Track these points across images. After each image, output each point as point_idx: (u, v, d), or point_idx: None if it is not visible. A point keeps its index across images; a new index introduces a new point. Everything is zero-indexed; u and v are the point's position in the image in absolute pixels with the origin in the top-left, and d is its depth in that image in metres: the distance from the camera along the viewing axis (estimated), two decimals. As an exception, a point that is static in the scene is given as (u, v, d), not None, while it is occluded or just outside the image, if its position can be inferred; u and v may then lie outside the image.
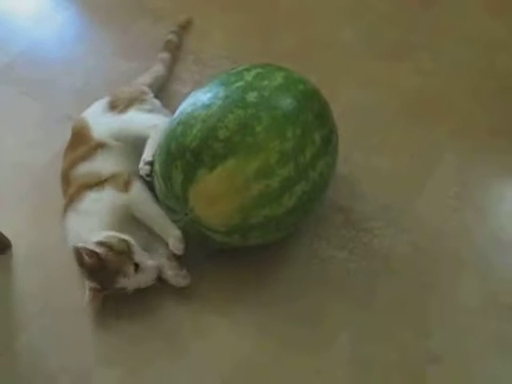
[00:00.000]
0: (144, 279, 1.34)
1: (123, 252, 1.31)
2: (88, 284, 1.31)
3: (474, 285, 1.40)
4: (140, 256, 1.33)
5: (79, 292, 1.38)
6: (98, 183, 1.41)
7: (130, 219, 1.41)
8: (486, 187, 1.57)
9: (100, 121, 1.53)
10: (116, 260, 1.30)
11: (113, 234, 1.34)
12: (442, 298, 1.39)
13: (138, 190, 1.41)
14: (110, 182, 1.41)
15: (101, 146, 1.47)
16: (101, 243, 1.29)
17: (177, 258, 1.40)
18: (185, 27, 1.91)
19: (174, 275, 1.37)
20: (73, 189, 1.43)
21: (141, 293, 1.37)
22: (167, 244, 1.38)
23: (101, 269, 1.29)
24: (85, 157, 1.46)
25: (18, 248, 1.50)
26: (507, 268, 1.42)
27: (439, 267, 1.43)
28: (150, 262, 1.34)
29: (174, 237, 1.37)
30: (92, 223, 1.37)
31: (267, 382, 1.29)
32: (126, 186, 1.41)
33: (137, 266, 1.31)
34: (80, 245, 1.29)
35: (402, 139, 1.65)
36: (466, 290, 1.39)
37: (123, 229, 1.38)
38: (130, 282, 1.31)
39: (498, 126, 1.67)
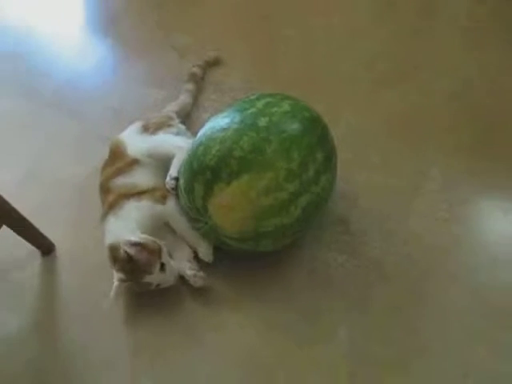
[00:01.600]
0: (166, 278, 1.35)
1: (154, 252, 1.32)
2: (117, 275, 1.32)
3: (461, 286, 1.40)
4: (166, 257, 1.35)
5: (108, 288, 1.39)
6: (136, 194, 1.43)
7: (160, 226, 1.43)
8: (470, 202, 1.56)
9: (134, 141, 1.54)
10: (147, 257, 1.31)
11: (147, 236, 1.35)
12: (432, 300, 1.38)
13: (173, 203, 1.42)
14: (148, 194, 1.43)
15: (136, 162, 1.49)
16: (137, 242, 1.31)
17: (197, 261, 1.41)
18: (212, 63, 1.92)
19: (193, 276, 1.38)
20: (112, 197, 1.44)
21: (163, 291, 1.38)
22: (188, 248, 1.42)
23: (133, 263, 1.30)
24: (122, 171, 1.48)
25: (61, 250, 1.51)
26: (493, 277, 1.41)
27: (429, 276, 1.43)
28: (173, 263, 1.36)
29: (204, 247, 1.41)
30: (129, 227, 1.38)
31: (272, 370, 1.29)
32: (163, 199, 1.42)
33: (162, 266, 1.33)
34: (121, 239, 1.32)
35: (394, 159, 1.65)
36: (453, 291, 1.39)
37: (154, 233, 1.39)
38: (154, 278, 1.32)
39: (477, 147, 1.66)
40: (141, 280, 1.33)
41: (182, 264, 1.41)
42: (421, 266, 1.44)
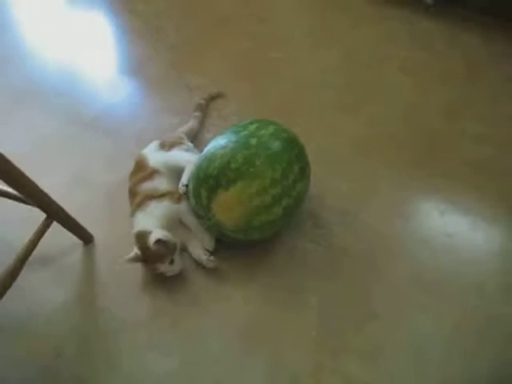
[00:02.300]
0: (172, 269, 1.37)
1: (170, 249, 1.34)
2: (135, 251, 1.35)
3: (405, 266, 1.42)
4: (177, 255, 1.37)
5: (138, 270, 1.40)
6: (158, 196, 1.44)
7: (176, 221, 1.44)
8: (406, 202, 1.58)
9: (154, 155, 1.55)
10: (163, 252, 1.33)
11: (170, 235, 1.36)
12: (383, 277, 1.40)
13: (185, 204, 1.44)
14: (167, 196, 1.44)
15: (156, 171, 1.49)
16: (161, 240, 1.32)
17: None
18: (215, 96, 1.93)
19: (206, 259, 1.39)
20: (139, 198, 1.45)
21: (183, 272, 1.41)
22: (201, 240, 1.42)
23: (150, 252, 1.32)
24: (146, 178, 1.49)
25: (99, 240, 1.51)
26: (428, 258, 1.44)
27: (380, 257, 1.44)
28: (179, 262, 1.38)
29: (207, 238, 1.42)
30: (153, 220, 1.40)
31: (266, 333, 1.30)
32: (178, 201, 1.43)
33: (172, 261, 1.35)
34: (150, 232, 1.34)
35: (354, 170, 1.66)
36: (399, 271, 1.41)
37: (172, 225, 1.42)
38: (162, 267, 1.34)
39: (418, 160, 1.68)
40: (152, 264, 1.35)
41: (196, 250, 1.42)
42: (374, 249, 1.46)
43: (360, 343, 1.27)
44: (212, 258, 1.40)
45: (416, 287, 1.37)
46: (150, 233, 1.35)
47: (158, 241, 1.31)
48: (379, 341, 1.27)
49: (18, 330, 1.32)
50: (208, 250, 1.42)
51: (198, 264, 1.42)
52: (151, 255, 1.33)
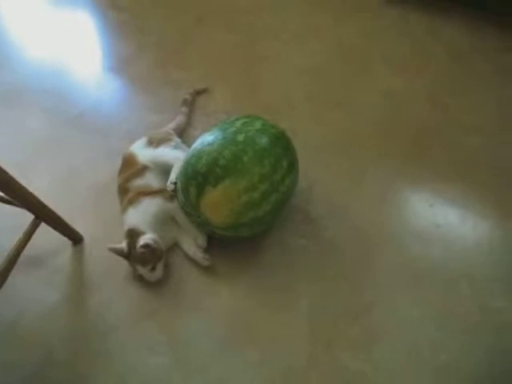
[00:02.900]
0: (150, 276, 1.37)
1: (155, 256, 1.34)
2: (123, 244, 1.36)
3: (395, 258, 1.43)
4: (161, 264, 1.36)
5: (127, 270, 1.40)
6: (151, 193, 1.43)
7: (169, 218, 1.44)
8: (395, 194, 1.59)
9: (142, 152, 1.54)
10: (147, 257, 1.33)
11: (160, 242, 1.36)
12: (374, 268, 1.41)
13: (177, 202, 1.43)
14: (160, 193, 1.44)
15: (145, 167, 1.49)
16: (149, 245, 1.32)
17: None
18: (200, 92, 1.91)
19: (202, 258, 1.39)
20: (131, 195, 1.44)
21: (172, 267, 1.42)
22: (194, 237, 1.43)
23: (136, 253, 1.33)
24: (136, 174, 1.48)
25: (88, 240, 1.50)
26: (418, 247, 1.45)
27: (370, 248, 1.46)
28: (160, 272, 1.37)
29: (199, 236, 1.42)
30: (145, 217, 1.40)
31: (258, 328, 1.31)
32: (171, 198, 1.43)
33: (153, 268, 1.35)
34: (145, 237, 1.34)
35: (342, 163, 1.66)
36: (389, 262, 1.42)
37: (165, 223, 1.42)
38: (142, 270, 1.35)
39: (407, 152, 1.69)
40: (132, 263, 1.35)
41: (191, 248, 1.42)
42: (364, 241, 1.47)
43: (353, 334, 1.28)
44: (207, 256, 1.40)
45: (407, 278, 1.38)
46: (142, 234, 1.35)
47: (146, 245, 1.31)
48: (372, 331, 1.29)
49: (7, 332, 1.32)
50: (201, 248, 1.42)
51: (190, 261, 1.42)
52: (135, 256, 1.33)
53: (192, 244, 1.42)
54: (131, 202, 1.43)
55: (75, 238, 1.48)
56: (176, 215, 1.43)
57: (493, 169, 1.63)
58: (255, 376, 1.23)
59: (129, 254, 1.35)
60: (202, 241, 1.41)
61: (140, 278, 1.37)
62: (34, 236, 1.32)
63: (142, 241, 1.32)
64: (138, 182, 1.47)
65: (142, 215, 1.40)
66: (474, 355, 1.24)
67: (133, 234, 1.36)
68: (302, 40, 2.12)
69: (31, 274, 1.42)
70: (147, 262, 1.33)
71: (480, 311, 1.31)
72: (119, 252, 1.35)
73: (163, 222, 1.42)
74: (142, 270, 1.34)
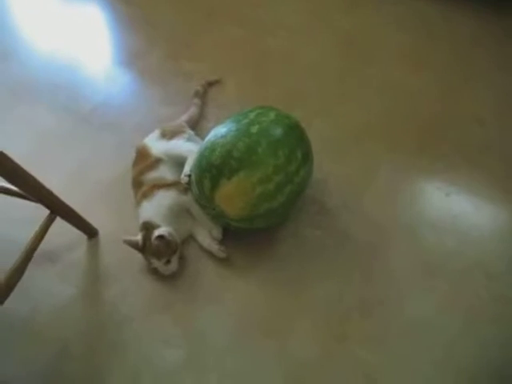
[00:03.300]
0: (165, 269, 1.36)
1: (170, 249, 1.33)
2: (139, 237, 1.35)
3: (410, 249, 1.42)
4: (176, 257, 1.36)
5: (143, 263, 1.40)
6: (165, 185, 1.43)
7: (184, 211, 1.44)
8: (409, 185, 1.58)
9: (155, 144, 1.54)
10: (162, 250, 1.32)
11: (175, 235, 1.36)
12: (388, 260, 1.40)
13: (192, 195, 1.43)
14: (174, 186, 1.43)
15: (159, 160, 1.49)
16: (164, 237, 1.32)
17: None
18: (212, 83, 1.90)
19: (217, 249, 1.39)
20: (145, 188, 1.44)
21: (187, 260, 1.42)
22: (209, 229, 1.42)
23: (150, 246, 1.33)
24: (150, 167, 1.48)
25: (103, 234, 1.50)
26: (433, 238, 1.43)
27: (383, 236, 1.45)
28: (175, 265, 1.37)
29: (215, 228, 1.41)
30: (160, 210, 1.40)
31: (273, 322, 1.30)
32: (185, 191, 1.42)
33: (168, 261, 1.34)
34: (160, 230, 1.34)
35: (355, 155, 1.65)
36: (404, 254, 1.41)
37: (180, 215, 1.42)
38: (156, 263, 1.34)
39: (421, 143, 1.67)
40: (147, 256, 1.35)
41: (206, 240, 1.42)
42: (378, 233, 1.46)
43: (367, 328, 1.28)
44: (223, 247, 1.40)
45: (421, 270, 1.37)
46: (157, 226, 1.35)
47: (161, 237, 1.31)
48: (386, 325, 1.28)
49: (23, 326, 1.33)
50: (216, 240, 1.41)
51: (205, 253, 1.42)
52: (150, 249, 1.33)
53: (207, 236, 1.42)
54: (145, 196, 1.43)
55: (90, 232, 1.48)
56: (191, 208, 1.43)
57: (509, 157, 1.61)
58: (271, 369, 1.22)
59: (144, 247, 1.34)
60: (217, 233, 1.41)
61: (154, 272, 1.38)
62: (49, 230, 1.32)
63: (156, 233, 1.32)
64: (152, 175, 1.47)
65: (156, 208, 1.40)
66: (494, 348, 1.23)
67: (148, 227, 1.36)
68: (312, 33, 2.10)
69: (47, 268, 1.42)
70: (162, 255, 1.33)
71: (499, 302, 1.29)
72: (134, 245, 1.35)
73: (178, 214, 1.42)
74: (157, 263, 1.34)
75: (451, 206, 1.50)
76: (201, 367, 1.24)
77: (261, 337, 1.27)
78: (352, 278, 1.36)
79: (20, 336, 1.31)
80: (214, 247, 1.39)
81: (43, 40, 2.18)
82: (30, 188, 1.20)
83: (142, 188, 1.45)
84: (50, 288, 1.39)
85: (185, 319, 1.31)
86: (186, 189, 1.42)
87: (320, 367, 1.22)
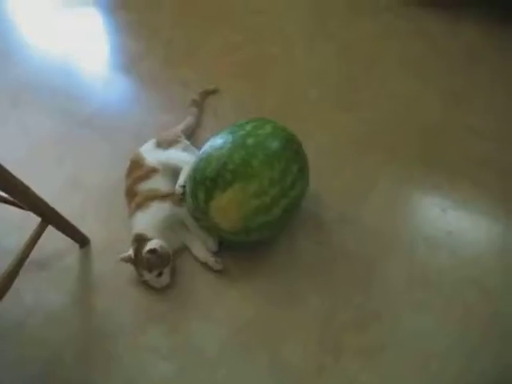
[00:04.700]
0: (156, 282, 1.34)
1: (162, 262, 1.32)
2: (130, 252, 1.34)
3: (405, 264, 1.41)
4: (168, 270, 1.34)
5: (135, 273, 1.38)
6: (160, 197, 1.42)
7: (179, 223, 1.42)
8: (406, 199, 1.56)
9: (151, 154, 1.53)
10: (153, 262, 1.31)
11: (167, 247, 1.35)
12: (384, 275, 1.39)
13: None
14: (170, 198, 1.42)
15: (154, 170, 1.48)
16: (155, 250, 1.30)
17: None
18: (210, 92, 1.89)
19: (213, 261, 1.38)
20: (139, 198, 1.43)
21: (181, 272, 1.40)
22: (205, 241, 1.41)
23: (142, 259, 1.31)
24: (144, 177, 1.47)
25: (95, 243, 1.49)
26: (428, 254, 1.42)
27: (378, 250, 1.44)
28: (167, 278, 1.35)
29: (210, 240, 1.40)
30: (154, 222, 1.39)
31: (266, 335, 1.29)
32: (180, 203, 1.41)
33: (160, 274, 1.33)
34: (152, 242, 1.32)
35: (352, 167, 1.64)
36: (400, 269, 1.40)
37: (174, 228, 1.41)
38: (148, 276, 1.33)
39: (419, 156, 1.66)
40: (138, 268, 1.34)
41: (201, 253, 1.40)
42: (374, 247, 1.45)
43: (362, 343, 1.26)
44: (219, 260, 1.38)
45: (417, 285, 1.36)
46: (149, 240, 1.34)
47: (153, 251, 1.30)
48: (381, 340, 1.26)
49: (15, 333, 1.31)
50: (212, 251, 1.40)
51: (199, 265, 1.40)
52: (141, 261, 1.32)
53: (202, 248, 1.40)
54: (139, 206, 1.42)
55: (82, 241, 1.47)
56: (185, 220, 1.42)
57: (508, 174, 1.60)
58: (263, 381, 1.21)
59: (135, 260, 1.33)
60: (213, 244, 1.40)
61: (145, 284, 1.36)
62: (41, 238, 1.31)
63: (148, 246, 1.31)
64: (147, 186, 1.45)
65: (150, 220, 1.39)
66: (487, 363, 1.21)
67: (139, 239, 1.35)
68: (311, 42, 2.10)
69: (38, 275, 1.41)
70: (153, 268, 1.31)
71: (492, 319, 1.28)
72: (128, 259, 1.34)
73: (171, 226, 1.41)
74: (148, 276, 1.33)
75: (447, 222, 1.49)
76: (193, 379, 1.22)
77: (254, 348, 1.26)
78: (348, 291, 1.35)
79: (11, 342, 1.30)
80: (210, 259, 1.38)
81: (43, 44, 2.18)
82: (22, 196, 1.19)
83: (135, 198, 1.44)
84: (41, 295, 1.37)
85: (178, 330, 1.30)
86: (180, 200, 1.41)
87: (312, 380, 1.20)
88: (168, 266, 1.34)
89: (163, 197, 1.42)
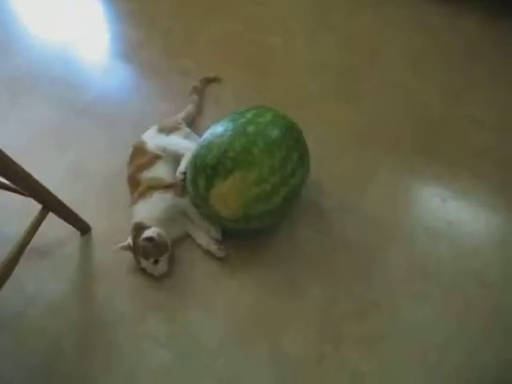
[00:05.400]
0: (154, 269, 1.35)
1: (159, 250, 1.33)
2: (129, 240, 1.35)
3: (405, 254, 1.41)
4: (165, 258, 1.35)
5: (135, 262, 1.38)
6: (163, 187, 1.42)
7: (181, 213, 1.43)
8: (407, 189, 1.56)
9: (153, 140, 1.54)
10: (150, 250, 1.31)
11: (165, 236, 1.35)
12: (383, 265, 1.39)
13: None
14: (172, 188, 1.43)
15: (157, 157, 1.48)
16: (153, 238, 1.31)
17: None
18: (211, 80, 1.89)
19: (216, 249, 1.38)
20: (142, 188, 1.44)
21: (181, 260, 1.40)
22: (208, 230, 1.41)
23: (138, 246, 1.32)
24: (148, 164, 1.47)
25: (96, 231, 1.49)
26: (428, 244, 1.42)
27: (378, 239, 1.44)
28: (164, 266, 1.36)
29: (214, 229, 1.40)
30: (156, 212, 1.39)
31: (266, 324, 1.29)
32: (182, 193, 1.42)
33: (156, 262, 1.33)
34: (150, 231, 1.33)
35: (353, 157, 1.64)
36: (399, 259, 1.40)
37: (176, 217, 1.41)
38: (145, 264, 1.34)
39: (420, 147, 1.66)
40: (136, 256, 1.34)
41: (204, 241, 1.41)
42: (374, 236, 1.45)
43: (362, 332, 1.27)
44: (222, 247, 1.39)
45: (416, 275, 1.36)
46: (147, 228, 1.34)
47: (150, 239, 1.30)
48: (381, 330, 1.27)
49: (15, 321, 1.31)
50: (215, 239, 1.41)
51: (199, 254, 1.40)
52: (138, 248, 1.33)
53: (204, 236, 1.41)
54: (142, 196, 1.42)
55: (83, 228, 1.47)
56: (188, 210, 1.42)
57: (508, 164, 1.60)
58: (263, 370, 1.22)
59: (134, 248, 1.34)
60: (216, 233, 1.40)
61: (143, 272, 1.37)
62: (42, 225, 1.31)
63: (145, 234, 1.31)
64: (150, 174, 1.46)
65: (150, 209, 1.39)
66: (487, 356, 1.22)
67: (138, 228, 1.35)
68: (312, 33, 2.09)
69: (39, 263, 1.41)
70: (150, 255, 1.32)
71: (493, 310, 1.29)
72: (127, 248, 1.35)
73: (172, 217, 1.41)
74: (145, 263, 1.33)
75: (447, 212, 1.49)
76: (192, 367, 1.23)
77: (253, 338, 1.26)
78: (348, 281, 1.35)
79: (11, 330, 1.30)
80: (213, 247, 1.38)
81: (42, 32, 2.16)
82: (23, 182, 1.19)
83: (138, 187, 1.44)
84: (41, 283, 1.38)
85: (177, 319, 1.31)
86: (183, 191, 1.42)
87: (312, 369, 1.21)
88: (165, 255, 1.34)
89: (166, 187, 1.42)
